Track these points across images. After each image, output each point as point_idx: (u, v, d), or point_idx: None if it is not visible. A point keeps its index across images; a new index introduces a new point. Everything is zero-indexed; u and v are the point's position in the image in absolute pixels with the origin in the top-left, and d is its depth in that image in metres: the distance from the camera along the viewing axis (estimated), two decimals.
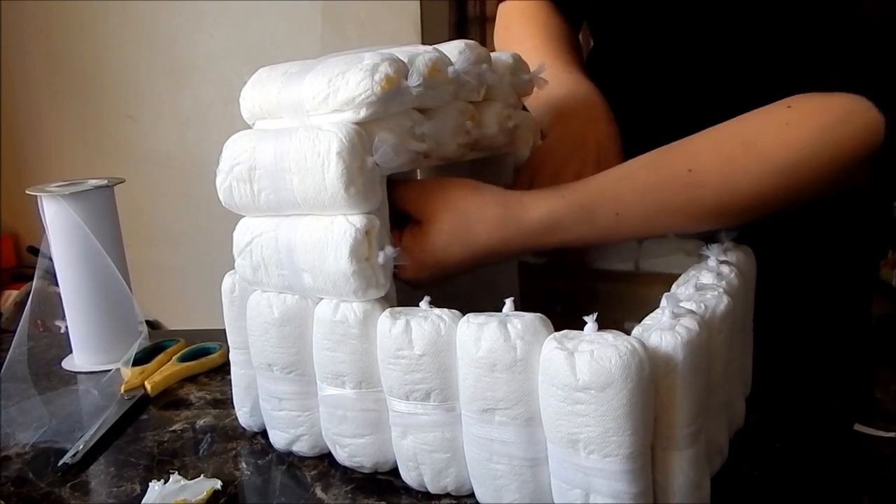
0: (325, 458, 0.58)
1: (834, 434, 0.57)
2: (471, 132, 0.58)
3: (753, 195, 0.52)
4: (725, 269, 0.53)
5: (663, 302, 0.49)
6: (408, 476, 0.52)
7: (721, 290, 0.50)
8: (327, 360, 0.52)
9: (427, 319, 0.48)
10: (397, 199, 0.54)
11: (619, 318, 0.62)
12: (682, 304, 0.46)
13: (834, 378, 0.65)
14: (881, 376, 0.65)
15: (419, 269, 0.53)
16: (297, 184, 0.49)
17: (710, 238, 0.59)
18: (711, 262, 0.54)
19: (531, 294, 0.69)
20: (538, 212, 0.52)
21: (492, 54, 0.61)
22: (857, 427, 0.57)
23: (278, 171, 0.50)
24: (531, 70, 0.64)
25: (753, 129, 0.52)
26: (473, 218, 0.53)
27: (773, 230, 0.70)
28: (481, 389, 0.45)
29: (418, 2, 2.12)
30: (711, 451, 0.49)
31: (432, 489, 0.51)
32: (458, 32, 2.29)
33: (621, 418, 0.40)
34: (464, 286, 0.60)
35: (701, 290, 0.50)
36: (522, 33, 0.78)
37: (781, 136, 0.51)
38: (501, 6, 0.84)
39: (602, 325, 0.44)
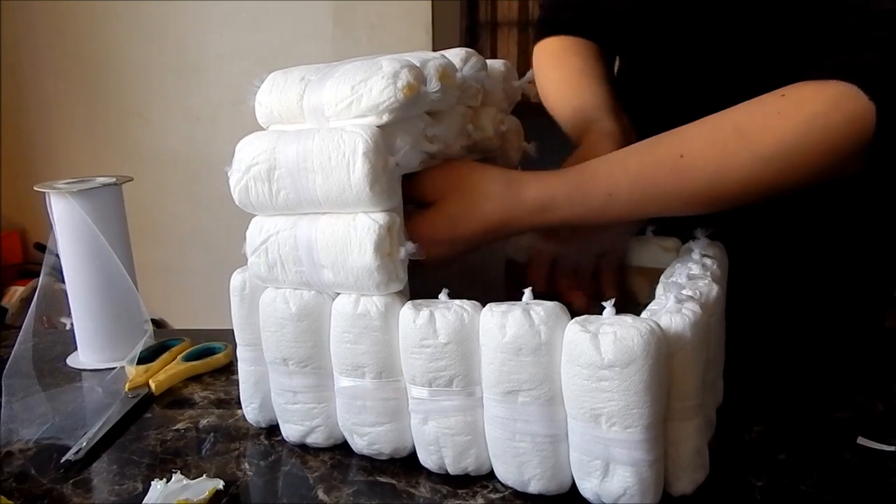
0: (328, 461, 0.58)
1: (838, 446, 0.57)
2: (472, 135, 0.62)
3: (743, 181, 0.53)
4: (708, 261, 0.58)
5: (660, 289, 0.54)
6: (428, 460, 0.55)
7: (709, 279, 0.55)
8: (347, 352, 0.55)
9: (450, 310, 0.51)
10: (409, 190, 0.56)
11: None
12: (683, 291, 0.51)
13: (839, 390, 0.65)
14: (886, 389, 0.66)
15: (432, 245, 0.55)
16: (319, 183, 0.51)
17: (686, 237, 0.63)
18: (696, 255, 0.59)
19: (517, 286, 0.71)
20: (535, 189, 0.56)
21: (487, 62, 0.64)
22: (861, 440, 0.57)
23: (300, 171, 0.52)
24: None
25: (745, 118, 0.54)
26: (478, 194, 0.56)
27: (788, 240, 0.70)
28: (506, 373, 0.49)
29: (430, 6, 2.11)
30: (707, 422, 0.53)
31: (453, 471, 0.54)
32: (470, 37, 2.31)
33: (641, 392, 0.45)
34: (453, 278, 0.63)
35: (693, 279, 0.54)
36: (552, 70, 0.82)
37: (771, 124, 0.52)
38: (538, 45, 0.87)
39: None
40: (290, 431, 0.60)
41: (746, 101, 0.55)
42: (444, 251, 0.57)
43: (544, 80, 0.82)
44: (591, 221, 0.57)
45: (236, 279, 0.60)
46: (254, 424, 0.64)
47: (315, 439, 0.59)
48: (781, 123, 0.52)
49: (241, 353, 0.62)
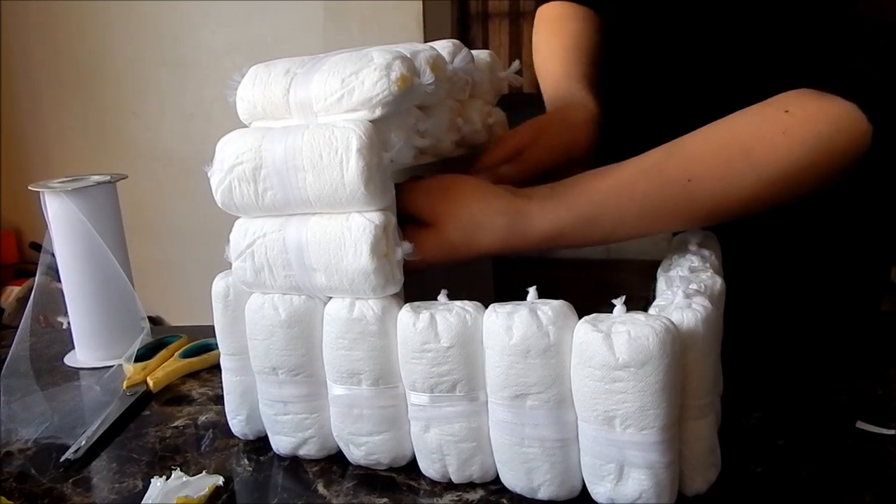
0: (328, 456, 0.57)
1: (837, 431, 0.57)
2: (461, 129, 0.60)
3: (747, 200, 0.54)
4: (706, 251, 0.57)
5: (662, 283, 0.53)
6: (430, 469, 0.53)
7: (711, 271, 0.53)
8: (342, 359, 0.52)
9: (452, 312, 0.49)
10: (403, 200, 0.55)
11: (592, 304, 0.63)
12: (691, 286, 0.49)
13: (837, 375, 0.66)
14: (884, 373, 0.66)
15: (425, 263, 0.54)
16: (310, 182, 0.49)
17: None
18: (693, 247, 0.57)
19: (505, 283, 0.71)
20: (543, 225, 0.54)
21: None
22: (860, 424, 0.57)
23: (289, 170, 0.49)
24: (507, 68, 0.67)
25: (752, 136, 0.54)
26: (480, 226, 0.54)
27: (782, 227, 0.70)
28: (514, 376, 0.47)
29: None
30: (716, 417, 0.52)
31: (457, 479, 0.52)
32: (461, 29, 2.29)
33: (658, 392, 0.43)
34: (440, 275, 0.61)
35: (695, 272, 0.53)
36: (545, 40, 0.84)
37: (778, 145, 0.53)
38: (539, 9, 0.89)
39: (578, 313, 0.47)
40: (281, 444, 0.57)
41: (749, 112, 0.55)
42: (436, 268, 0.56)
43: (537, 47, 0.84)
44: (592, 245, 0.57)
45: (219, 285, 0.57)
46: (241, 437, 0.61)
47: (308, 451, 0.56)
48: (787, 144, 0.52)
49: (226, 362, 0.59)
